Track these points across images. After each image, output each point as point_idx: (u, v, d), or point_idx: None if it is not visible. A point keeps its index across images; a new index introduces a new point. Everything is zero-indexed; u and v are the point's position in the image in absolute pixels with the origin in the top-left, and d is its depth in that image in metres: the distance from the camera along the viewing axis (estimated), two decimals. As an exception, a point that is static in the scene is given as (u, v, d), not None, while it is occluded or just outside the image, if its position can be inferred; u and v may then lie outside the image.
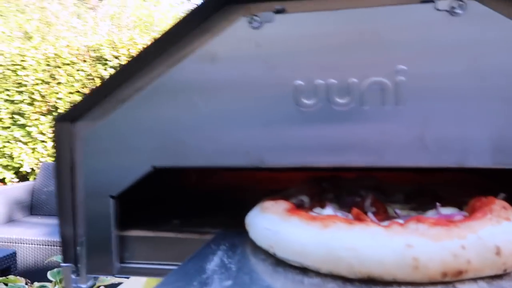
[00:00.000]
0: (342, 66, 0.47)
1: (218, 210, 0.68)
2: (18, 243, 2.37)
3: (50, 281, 1.36)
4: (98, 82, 3.83)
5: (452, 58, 0.46)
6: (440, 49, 0.46)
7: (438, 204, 0.48)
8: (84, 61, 3.91)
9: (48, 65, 3.96)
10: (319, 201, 0.55)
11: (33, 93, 3.95)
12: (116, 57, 3.87)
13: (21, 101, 3.98)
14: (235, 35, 0.49)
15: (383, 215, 0.51)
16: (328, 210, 0.48)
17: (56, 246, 2.35)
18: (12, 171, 4.05)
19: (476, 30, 0.46)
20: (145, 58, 0.52)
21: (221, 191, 0.89)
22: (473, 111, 0.46)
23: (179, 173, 0.83)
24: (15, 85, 4.00)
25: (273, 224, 0.45)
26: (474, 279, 0.38)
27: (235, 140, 0.50)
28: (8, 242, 2.37)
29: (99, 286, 1.19)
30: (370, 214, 0.49)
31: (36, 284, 1.42)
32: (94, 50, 3.91)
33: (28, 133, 3.97)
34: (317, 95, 0.48)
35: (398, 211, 0.53)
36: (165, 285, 0.40)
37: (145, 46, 0.50)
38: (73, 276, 0.55)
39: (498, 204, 0.43)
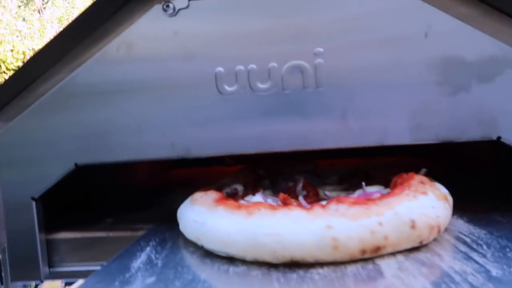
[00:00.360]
0: (261, 51, 0.47)
1: (156, 206, 0.66)
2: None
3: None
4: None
5: (368, 35, 0.47)
6: (355, 29, 0.47)
7: (363, 183, 0.49)
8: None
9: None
10: (252, 189, 0.55)
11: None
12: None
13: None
14: (151, 24, 0.48)
15: (313, 198, 0.52)
16: (257, 197, 0.48)
17: None
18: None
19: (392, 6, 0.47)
20: (54, 53, 0.49)
21: (168, 187, 0.87)
22: (392, 92, 0.48)
23: (125, 172, 0.80)
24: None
25: (200, 215, 0.44)
26: (393, 253, 0.38)
27: (159, 132, 0.49)
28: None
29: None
30: (301, 198, 0.50)
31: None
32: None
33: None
34: (238, 82, 0.48)
35: (328, 193, 0.53)
36: (87, 286, 0.38)
37: (52, 38, 0.48)
38: (-2, 286, 0.52)
39: (417, 179, 0.44)
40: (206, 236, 0.43)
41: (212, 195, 0.48)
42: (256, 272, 0.38)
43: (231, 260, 0.41)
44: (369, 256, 0.37)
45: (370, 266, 0.37)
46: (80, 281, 0.59)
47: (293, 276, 0.36)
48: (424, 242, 0.39)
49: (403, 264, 0.36)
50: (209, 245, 0.42)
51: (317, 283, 0.34)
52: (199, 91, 0.48)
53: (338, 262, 0.37)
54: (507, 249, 0.38)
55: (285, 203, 0.46)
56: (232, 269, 0.39)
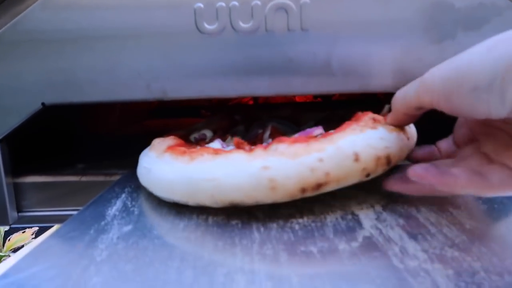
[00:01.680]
0: (244, -13, 0.44)
1: (130, 153, 0.64)
2: None
3: None
4: None
5: (356, -21, 0.45)
6: (344, -31, 0.44)
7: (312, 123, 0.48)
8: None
9: None
10: (223, 135, 0.53)
11: None
12: None
13: None
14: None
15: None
16: (215, 144, 0.46)
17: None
18: None
19: None
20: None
21: (141, 137, 0.84)
22: (377, 36, 0.46)
23: (97, 120, 0.77)
24: None
25: (149, 161, 0.42)
26: (372, 205, 0.38)
27: (134, 71, 0.46)
28: None
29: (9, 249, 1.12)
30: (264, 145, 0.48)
31: None
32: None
33: None
34: (219, 19, 0.45)
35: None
36: (58, 235, 0.37)
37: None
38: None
39: (370, 116, 0.41)
40: (153, 183, 0.41)
41: (169, 141, 0.45)
42: (235, 221, 0.37)
43: (208, 209, 0.40)
44: (311, 195, 0.36)
45: (349, 216, 0.36)
46: (52, 229, 0.58)
47: (273, 225, 0.35)
48: (372, 175, 0.37)
49: (381, 215, 0.36)
50: (157, 192, 0.41)
51: (297, 233, 0.34)
52: (177, 29, 0.45)
53: (317, 212, 0.37)
54: (480, 202, 0.39)
55: (238, 148, 0.44)
56: (211, 218, 0.38)
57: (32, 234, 1.27)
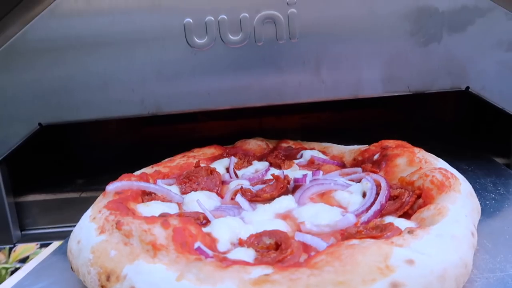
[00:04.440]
0: (231, 1, 0.45)
1: (128, 165, 0.65)
2: None
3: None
4: None
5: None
6: (328, -21, 0.46)
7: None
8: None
9: None
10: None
11: None
12: None
13: None
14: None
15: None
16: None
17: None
18: None
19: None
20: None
21: (138, 146, 0.85)
22: (365, 42, 0.47)
23: (93, 131, 0.78)
24: None
25: None
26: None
27: (127, 89, 0.47)
28: None
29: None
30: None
31: None
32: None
33: None
34: (208, 33, 0.46)
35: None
36: (61, 252, 0.38)
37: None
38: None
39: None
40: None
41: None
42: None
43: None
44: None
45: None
46: (55, 243, 0.59)
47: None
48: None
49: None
50: None
51: None
52: (168, 44, 0.46)
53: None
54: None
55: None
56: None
57: (37, 244, 1.27)
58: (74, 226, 0.50)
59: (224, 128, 0.84)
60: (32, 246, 1.39)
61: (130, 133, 0.91)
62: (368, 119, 0.86)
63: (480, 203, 0.37)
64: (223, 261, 0.30)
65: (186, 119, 0.89)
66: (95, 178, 0.58)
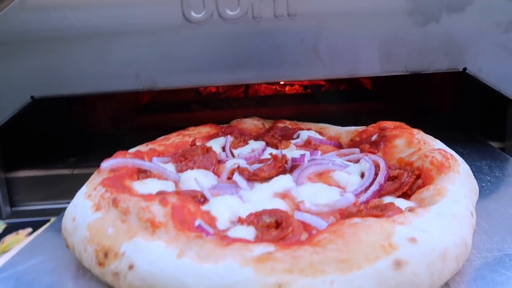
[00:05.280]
0: (229, -26, 0.44)
1: (120, 147, 0.64)
2: None
3: None
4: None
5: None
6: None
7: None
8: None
9: None
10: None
11: None
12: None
13: None
14: None
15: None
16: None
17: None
18: None
19: None
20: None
21: (132, 132, 0.83)
22: (363, 21, 0.47)
23: (87, 117, 0.76)
24: None
25: None
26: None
27: (122, 62, 0.46)
28: None
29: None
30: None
31: None
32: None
33: None
34: (206, 7, 0.45)
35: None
36: (53, 229, 0.38)
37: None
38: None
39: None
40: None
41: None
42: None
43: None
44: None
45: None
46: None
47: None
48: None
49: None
50: None
51: None
52: (165, 19, 0.45)
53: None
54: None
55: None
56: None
57: (26, 236, 1.26)
58: (66, 203, 0.49)
59: (218, 117, 0.83)
60: (21, 237, 1.38)
61: (124, 121, 0.89)
62: (363, 110, 0.85)
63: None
64: (224, 239, 0.30)
65: (180, 109, 0.88)
66: (87, 157, 0.57)
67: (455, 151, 0.41)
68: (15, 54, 0.45)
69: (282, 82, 1.00)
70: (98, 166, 0.52)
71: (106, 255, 0.30)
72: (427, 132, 0.44)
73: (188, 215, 0.32)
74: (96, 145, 0.66)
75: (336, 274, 0.25)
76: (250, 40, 0.46)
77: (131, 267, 0.28)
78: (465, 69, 0.48)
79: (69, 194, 0.51)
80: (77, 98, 0.68)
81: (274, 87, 1.02)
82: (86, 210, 0.35)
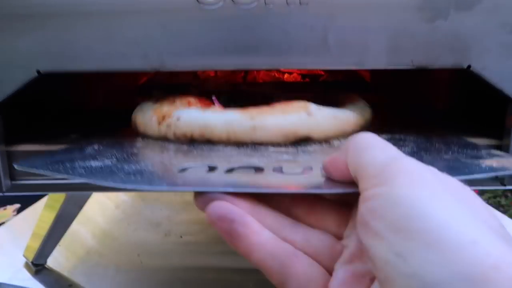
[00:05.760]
0: (244, -42, 0.44)
1: (123, 124, 0.64)
2: None
3: None
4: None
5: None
6: None
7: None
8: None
9: None
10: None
11: None
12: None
13: None
14: None
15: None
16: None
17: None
18: None
19: None
20: None
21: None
22: (373, 13, 0.47)
23: (89, 96, 0.76)
24: None
25: None
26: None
27: (131, 41, 0.46)
28: None
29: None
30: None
31: None
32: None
33: None
34: (219, -9, 0.45)
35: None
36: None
37: None
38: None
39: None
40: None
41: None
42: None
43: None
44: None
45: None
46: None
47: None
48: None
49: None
50: None
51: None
52: (176, 0, 0.45)
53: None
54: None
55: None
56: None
57: (13, 211, 1.25)
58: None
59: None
60: (8, 213, 1.38)
61: (122, 100, 0.89)
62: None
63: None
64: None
65: (178, 91, 0.87)
66: (88, 134, 0.57)
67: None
68: (22, 27, 0.45)
69: (282, 70, 1.01)
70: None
71: (163, 117, 0.46)
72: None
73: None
74: (96, 123, 0.66)
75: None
76: (261, 26, 0.46)
77: (178, 119, 0.44)
78: (469, 66, 0.48)
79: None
80: (76, 75, 0.68)
81: (273, 74, 1.03)
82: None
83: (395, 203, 0.21)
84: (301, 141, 0.47)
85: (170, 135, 0.46)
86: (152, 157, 0.44)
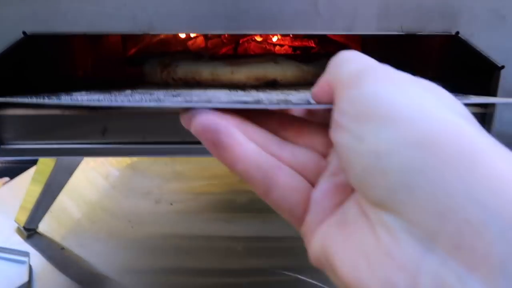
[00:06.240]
0: None
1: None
2: None
3: None
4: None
5: None
6: None
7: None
8: None
9: None
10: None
11: None
12: None
13: None
14: None
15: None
16: None
17: None
18: None
19: None
20: None
21: (121, 82, 0.83)
22: (364, -23, 0.47)
23: (75, 64, 0.75)
24: None
25: None
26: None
27: (120, 2, 0.45)
28: None
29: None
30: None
31: None
32: None
33: None
34: (208, -49, 0.44)
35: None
36: None
37: None
38: None
39: None
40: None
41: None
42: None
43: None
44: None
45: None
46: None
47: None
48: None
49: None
50: None
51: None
52: (164, -41, 0.44)
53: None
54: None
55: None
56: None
57: (2, 185, 1.25)
58: (58, 143, 0.50)
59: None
60: None
61: (110, 70, 0.88)
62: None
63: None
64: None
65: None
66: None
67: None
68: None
69: (275, 39, 1.00)
70: (90, 108, 0.52)
71: (165, 66, 0.59)
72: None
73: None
74: (85, 89, 0.66)
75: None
76: (250, -12, 0.46)
77: (176, 66, 0.58)
78: (457, 33, 0.49)
79: (60, 135, 0.52)
80: (64, 42, 0.67)
81: (264, 46, 1.03)
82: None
83: (360, 97, 0.22)
84: (270, 84, 0.57)
85: (170, 79, 0.58)
86: (142, 92, 0.45)
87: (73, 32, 0.46)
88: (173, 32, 0.47)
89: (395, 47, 0.78)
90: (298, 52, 1.08)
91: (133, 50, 1.03)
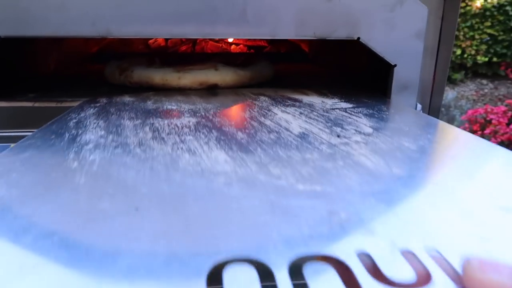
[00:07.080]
0: None
1: (78, 87, 0.73)
2: None
3: None
4: None
5: None
6: None
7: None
8: None
9: None
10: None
11: None
12: None
13: None
14: None
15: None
16: None
17: None
18: None
19: None
20: None
21: (86, 77, 0.91)
22: (284, -7, 0.58)
23: (38, 62, 0.83)
24: None
25: None
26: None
27: (81, 10, 0.55)
28: None
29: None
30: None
31: None
32: None
33: None
34: (155, -30, 0.54)
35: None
36: (33, 138, 0.42)
37: None
38: None
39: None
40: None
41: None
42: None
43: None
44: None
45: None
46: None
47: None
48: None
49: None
50: None
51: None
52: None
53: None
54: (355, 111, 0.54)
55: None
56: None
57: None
58: (29, 131, 0.58)
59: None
60: None
61: (74, 67, 0.96)
62: (300, 70, 0.99)
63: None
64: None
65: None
66: (46, 93, 0.65)
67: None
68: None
69: (231, 40, 1.11)
70: (58, 100, 0.61)
71: (123, 70, 0.71)
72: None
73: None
74: (51, 86, 0.74)
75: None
76: (192, 1, 0.56)
77: (132, 71, 0.70)
78: (359, 38, 0.61)
79: (32, 124, 0.60)
80: (28, 41, 0.75)
81: (221, 45, 1.13)
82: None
83: None
84: (212, 88, 0.69)
85: (127, 82, 0.70)
86: None
87: (41, 36, 0.55)
88: (127, 36, 0.57)
89: (337, 50, 0.90)
90: (252, 51, 1.19)
91: (95, 48, 1.11)
